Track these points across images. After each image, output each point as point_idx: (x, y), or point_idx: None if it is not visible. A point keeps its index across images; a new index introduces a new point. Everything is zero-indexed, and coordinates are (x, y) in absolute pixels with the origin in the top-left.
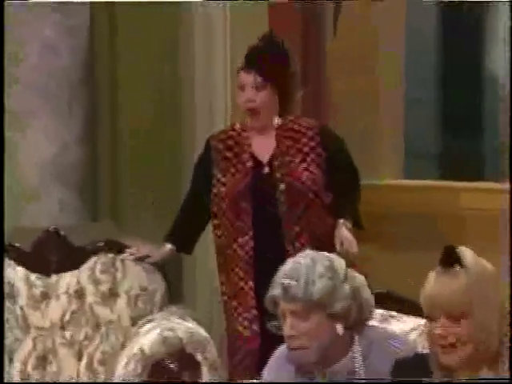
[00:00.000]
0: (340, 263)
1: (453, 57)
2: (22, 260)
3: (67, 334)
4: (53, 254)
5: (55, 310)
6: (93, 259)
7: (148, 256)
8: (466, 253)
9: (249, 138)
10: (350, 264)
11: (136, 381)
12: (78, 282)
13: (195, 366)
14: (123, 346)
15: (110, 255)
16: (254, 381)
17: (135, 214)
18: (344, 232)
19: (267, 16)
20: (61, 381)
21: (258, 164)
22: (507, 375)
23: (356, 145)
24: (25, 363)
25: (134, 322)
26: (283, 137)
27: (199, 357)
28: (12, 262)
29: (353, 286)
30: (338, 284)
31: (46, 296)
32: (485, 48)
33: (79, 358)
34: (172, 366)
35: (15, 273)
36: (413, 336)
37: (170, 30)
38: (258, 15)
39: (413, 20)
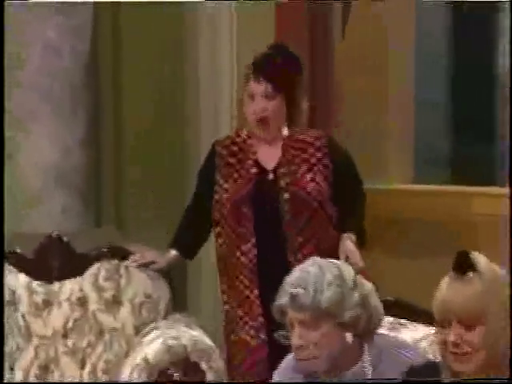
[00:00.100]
0: (348, 270)
1: (464, 58)
2: (24, 266)
3: (70, 342)
4: (55, 261)
5: (57, 317)
6: (96, 266)
7: (153, 262)
8: (480, 258)
9: (254, 146)
10: (358, 271)
11: None
12: (81, 289)
13: (200, 374)
14: (127, 355)
15: (114, 262)
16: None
17: (139, 219)
18: (349, 245)
19: (274, 15)
20: None
21: (262, 171)
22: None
23: (365, 148)
24: (27, 372)
25: (138, 330)
26: (290, 146)
27: (204, 365)
28: (13, 269)
29: (362, 293)
30: (347, 292)
31: (48, 303)
32: (497, 49)
33: (82, 367)
34: (176, 374)
35: (16, 280)
36: (423, 344)
37: (175, 31)
38: (265, 15)
39: (423, 20)
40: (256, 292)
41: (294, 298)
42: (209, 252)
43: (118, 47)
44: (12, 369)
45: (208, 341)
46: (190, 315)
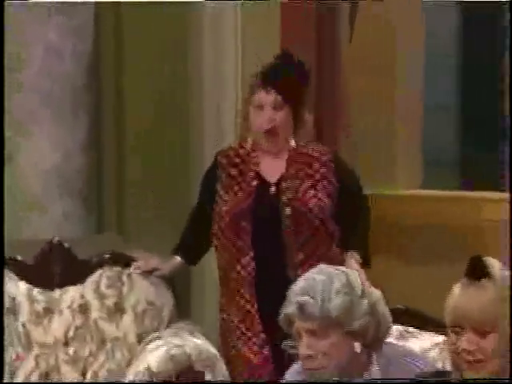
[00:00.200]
0: (356, 278)
1: (473, 59)
2: (24, 273)
3: (71, 350)
4: (56, 267)
5: (58, 325)
6: (98, 273)
7: (156, 269)
8: (494, 263)
9: (258, 158)
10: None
11: None
12: (83, 297)
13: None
14: (129, 364)
15: (116, 268)
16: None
17: (142, 225)
18: (353, 265)
19: (279, 15)
20: None
21: (264, 184)
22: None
23: (372, 153)
24: (27, 381)
25: (141, 338)
26: (294, 160)
27: (208, 374)
28: (13, 276)
29: (370, 301)
30: (356, 300)
31: (48, 311)
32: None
33: (83, 376)
34: None
35: (17, 287)
36: (432, 354)
37: (178, 31)
38: (270, 15)
39: (432, 22)
40: (256, 307)
41: (301, 306)
42: (212, 258)
43: (120, 48)
44: (12, 378)
45: (212, 349)
46: (193, 323)
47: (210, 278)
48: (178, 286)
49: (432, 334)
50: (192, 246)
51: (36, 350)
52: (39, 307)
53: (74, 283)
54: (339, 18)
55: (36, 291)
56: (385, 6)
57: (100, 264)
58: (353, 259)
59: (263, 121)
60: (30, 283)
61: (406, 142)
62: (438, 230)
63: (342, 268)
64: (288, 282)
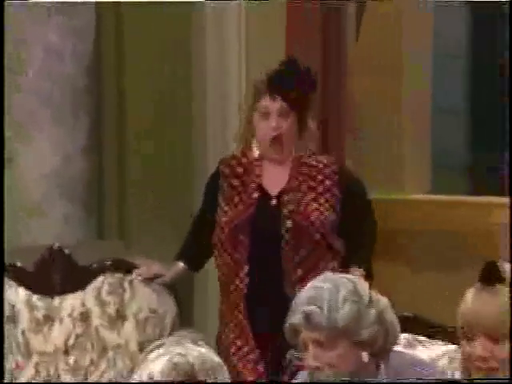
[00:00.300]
0: (363, 286)
1: (483, 60)
2: (24, 280)
3: (71, 359)
4: (56, 274)
5: (59, 333)
6: (99, 279)
7: (158, 275)
8: (507, 268)
9: (261, 168)
10: None
11: None
12: (83, 304)
13: None
14: (131, 373)
15: (118, 275)
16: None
17: (142, 227)
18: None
19: (285, 15)
20: None
21: (265, 195)
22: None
23: (379, 156)
24: None
25: (143, 346)
26: (298, 171)
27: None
28: (13, 283)
29: (378, 309)
30: (363, 309)
31: (48, 319)
32: None
33: None
34: None
35: (16, 294)
36: (441, 363)
37: (180, 31)
38: (275, 14)
39: (440, 22)
40: (251, 322)
41: (307, 316)
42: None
43: (121, 48)
44: None
45: (216, 358)
46: (196, 331)
47: (213, 286)
48: (181, 294)
49: (441, 342)
50: (195, 252)
51: (36, 359)
52: (39, 315)
53: (74, 290)
54: (345, 18)
55: (36, 298)
56: (392, 6)
57: (101, 270)
58: (356, 272)
59: (269, 129)
60: (30, 290)
61: (414, 145)
62: (447, 236)
63: (349, 276)
64: (285, 299)
